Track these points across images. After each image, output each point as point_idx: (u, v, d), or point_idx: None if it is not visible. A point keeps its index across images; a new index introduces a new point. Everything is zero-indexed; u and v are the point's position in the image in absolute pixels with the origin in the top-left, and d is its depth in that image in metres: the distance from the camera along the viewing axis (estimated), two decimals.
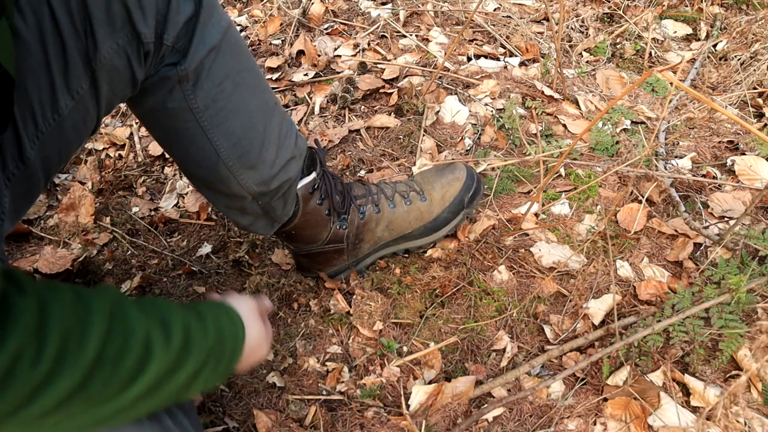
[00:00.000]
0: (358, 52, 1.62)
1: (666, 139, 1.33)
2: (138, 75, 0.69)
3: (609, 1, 1.77)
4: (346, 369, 0.98)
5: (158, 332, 0.52)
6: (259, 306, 0.74)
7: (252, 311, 0.70)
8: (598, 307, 1.01)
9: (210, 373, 0.59)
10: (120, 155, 1.43)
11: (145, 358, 0.50)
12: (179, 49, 0.70)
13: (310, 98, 1.51)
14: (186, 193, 1.31)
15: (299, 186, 0.92)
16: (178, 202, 1.31)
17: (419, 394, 0.92)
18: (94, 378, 0.45)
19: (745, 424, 0.84)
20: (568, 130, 1.36)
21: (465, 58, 1.58)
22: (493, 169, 1.26)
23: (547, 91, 1.45)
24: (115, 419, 0.50)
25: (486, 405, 0.91)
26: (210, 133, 0.77)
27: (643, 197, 1.17)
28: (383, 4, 1.81)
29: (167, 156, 1.40)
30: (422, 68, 1.52)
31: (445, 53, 1.54)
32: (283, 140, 0.86)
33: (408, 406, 0.92)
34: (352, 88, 1.46)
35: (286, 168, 0.87)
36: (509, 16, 1.73)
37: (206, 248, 1.20)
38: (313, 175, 0.94)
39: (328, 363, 0.99)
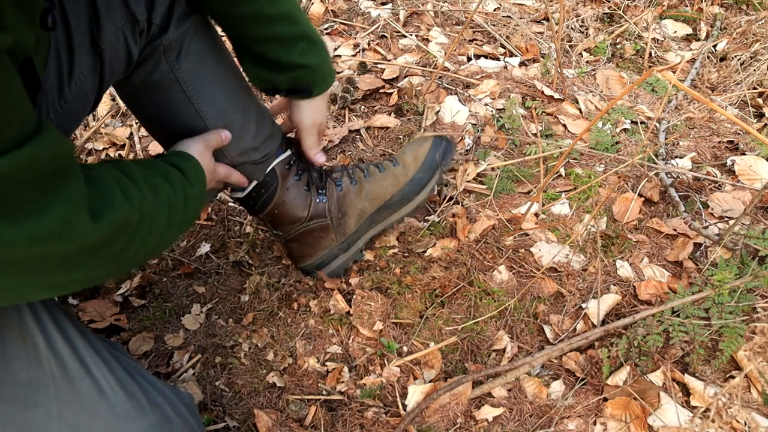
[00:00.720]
0: (358, 52, 1.62)
1: (666, 139, 1.33)
2: (134, 54, 0.74)
3: (609, 1, 1.77)
4: (346, 369, 0.98)
5: (171, 192, 0.67)
6: (209, 140, 0.83)
7: (200, 153, 0.80)
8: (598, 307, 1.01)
9: (199, 205, 0.76)
10: (120, 155, 1.43)
11: (170, 213, 0.66)
12: (163, 26, 0.76)
13: None
14: None
15: (277, 161, 0.96)
16: None
17: (416, 394, 0.92)
18: (151, 225, 0.63)
19: (745, 424, 0.84)
20: (568, 130, 1.36)
21: (465, 58, 1.58)
22: (493, 169, 1.26)
23: (547, 91, 1.45)
24: (162, 249, 0.78)
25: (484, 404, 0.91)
26: (197, 102, 0.83)
27: (636, 191, 1.17)
28: (383, 4, 1.81)
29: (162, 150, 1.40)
30: (422, 68, 1.52)
31: (445, 53, 1.54)
32: (261, 118, 0.92)
33: (405, 407, 0.92)
34: (352, 88, 1.46)
35: (266, 142, 0.93)
36: (509, 16, 1.73)
37: (205, 248, 1.20)
38: (289, 151, 0.99)
39: (328, 363, 0.99)
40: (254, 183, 0.96)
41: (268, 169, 0.96)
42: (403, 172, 1.08)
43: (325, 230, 1.04)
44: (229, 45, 0.89)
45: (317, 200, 1.02)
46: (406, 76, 1.50)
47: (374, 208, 1.07)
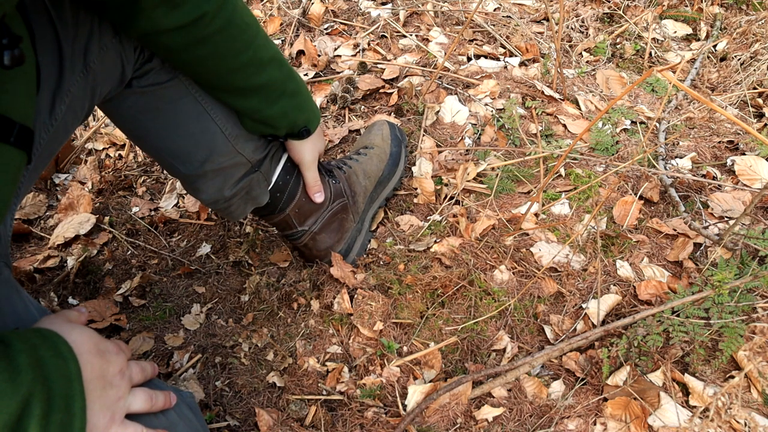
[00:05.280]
0: (358, 52, 1.62)
1: (666, 139, 1.33)
2: (127, 69, 0.75)
3: (609, 1, 1.77)
4: (346, 369, 0.98)
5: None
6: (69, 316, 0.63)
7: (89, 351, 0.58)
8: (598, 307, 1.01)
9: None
10: (120, 155, 1.43)
11: None
12: None
13: None
14: (186, 193, 1.31)
15: (287, 154, 0.99)
16: (178, 202, 1.31)
17: (416, 394, 0.92)
18: None
19: (745, 424, 0.84)
20: (568, 130, 1.36)
21: (465, 58, 1.58)
22: (493, 169, 1.26)
23: (547, 91, 1.45)
24: None
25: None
26: (203, 102, 0.84)
27: (637, 193, 1.17)
28: (383, 4, 1.81)
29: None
30: (422, 68, 1.52)
31: (445, 53, 1.54)
32: None
33: (405, 407, 0.92)
34: (352, 88, 1.46)
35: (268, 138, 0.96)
36: (509, 16, 1.73)
37: (206, 248, 1.20)
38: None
39: (328, 363, 0.99)
40: (278, 172, 0.98)
41: (285, 157, 0.99)
42: (382, 150, 1.19)
43: (345, 210, 1.10)
44: None
45: (332, 182, 1.09)
46: (406, 76, 1.50)
47: (372, 186, 1.16)
